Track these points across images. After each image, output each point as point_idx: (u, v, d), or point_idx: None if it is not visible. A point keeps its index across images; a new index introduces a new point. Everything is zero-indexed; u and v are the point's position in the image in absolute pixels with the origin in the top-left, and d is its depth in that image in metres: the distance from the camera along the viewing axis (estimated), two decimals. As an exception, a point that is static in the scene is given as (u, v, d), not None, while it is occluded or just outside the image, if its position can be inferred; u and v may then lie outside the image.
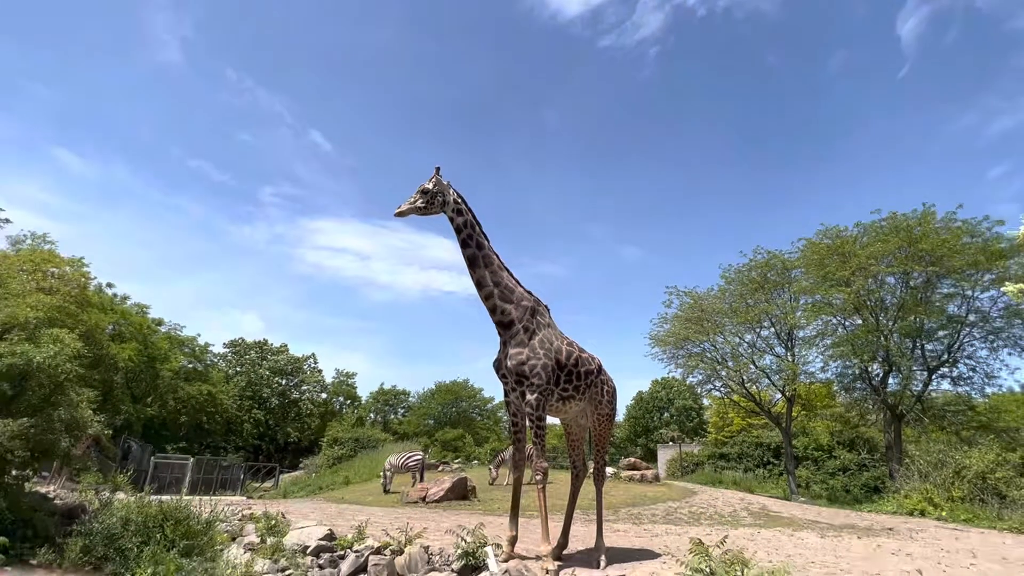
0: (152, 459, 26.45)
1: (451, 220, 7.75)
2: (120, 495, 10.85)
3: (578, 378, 7.81)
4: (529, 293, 7.91)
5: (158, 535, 8.21)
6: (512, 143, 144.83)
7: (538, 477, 7.43)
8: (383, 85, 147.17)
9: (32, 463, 10.04)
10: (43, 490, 12.64)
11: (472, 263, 7.69)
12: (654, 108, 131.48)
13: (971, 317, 23.17)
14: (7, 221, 24.29)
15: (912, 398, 24.03)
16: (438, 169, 7.74)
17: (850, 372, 26.35)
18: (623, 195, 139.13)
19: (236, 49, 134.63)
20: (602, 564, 7.53)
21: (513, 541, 7.51)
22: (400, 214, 7.64)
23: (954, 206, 23.19)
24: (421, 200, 7.53)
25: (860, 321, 25.12)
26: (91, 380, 20.08)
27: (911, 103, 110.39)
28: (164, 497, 10.50)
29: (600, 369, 8.37)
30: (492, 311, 7.62)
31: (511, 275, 7.90)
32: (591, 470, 9.07)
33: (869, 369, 25.25)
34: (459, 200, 7.78)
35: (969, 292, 22.78)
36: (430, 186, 7.57)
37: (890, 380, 24.73)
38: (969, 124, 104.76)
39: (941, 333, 24.17)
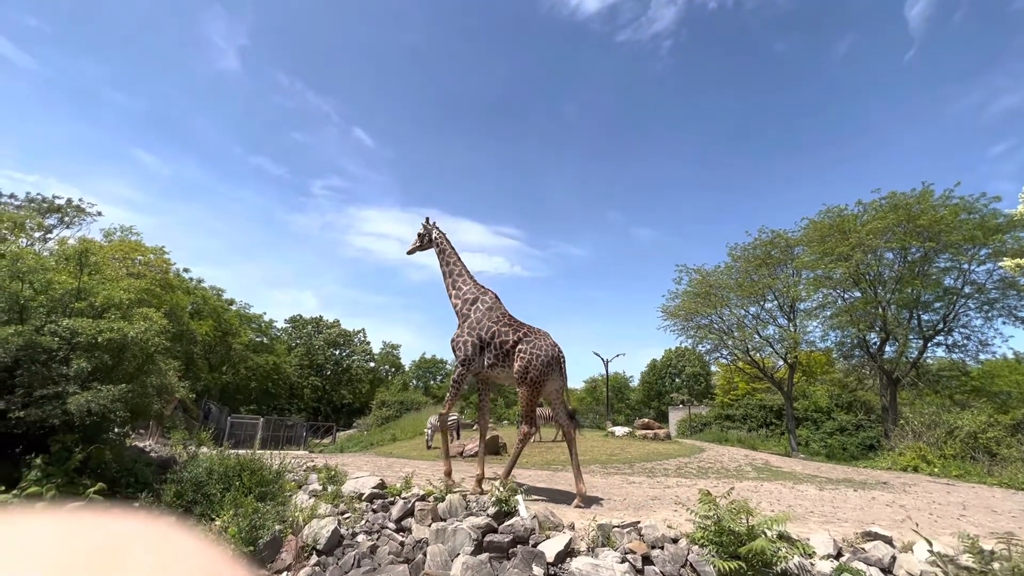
0: (228, 419, 27.54)
1: (434, 249, 10.05)
2: (204, 449, 11.38)
3: (496, 348, 8.66)
4: (480, 288, 9.46)
5: (237, 483, 8.62)
6: (535, 134, 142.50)
7: (438, 423, 9.44)
8: (417, 83, 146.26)
9: (130, 422, 10.59)
10: (140, 445, 13.35)
11: (443, 275, 9.81)
12: (668, 98, 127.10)
13: (967, 289, 22.05)
14: (99, 215, 25.31)
15: (908, 364, 23.23)
16: (427, 219, 10.18)
17: (848, 341, 25.54)
18: (638, 180, 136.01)
19: (286, 55, 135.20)
20: (575, 502, 8.15)
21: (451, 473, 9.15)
22: (409, 253, 10.28)
23: (953, 183, 21.88)
24: (418, 241, 10.17)
25: (859, 293, 24.22)
26: (175, 352, 20.91)
27: (917, 84, 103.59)
28: (240, 451, 10.97)
29: (520, 340, 8.62)
30: (453, 307, 9.41)
31: (469, 278, 9.56)
32: (573, 427, 9.40)
33: (867, 338, 24.44)
34: (439, 236, 10.01)
35: (965, 265, 21.63)
36: (422, 231, 10.15)
37: (887, 348, 23.87)
38: (973, 103, 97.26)
39: (937, 304, 23.11)
